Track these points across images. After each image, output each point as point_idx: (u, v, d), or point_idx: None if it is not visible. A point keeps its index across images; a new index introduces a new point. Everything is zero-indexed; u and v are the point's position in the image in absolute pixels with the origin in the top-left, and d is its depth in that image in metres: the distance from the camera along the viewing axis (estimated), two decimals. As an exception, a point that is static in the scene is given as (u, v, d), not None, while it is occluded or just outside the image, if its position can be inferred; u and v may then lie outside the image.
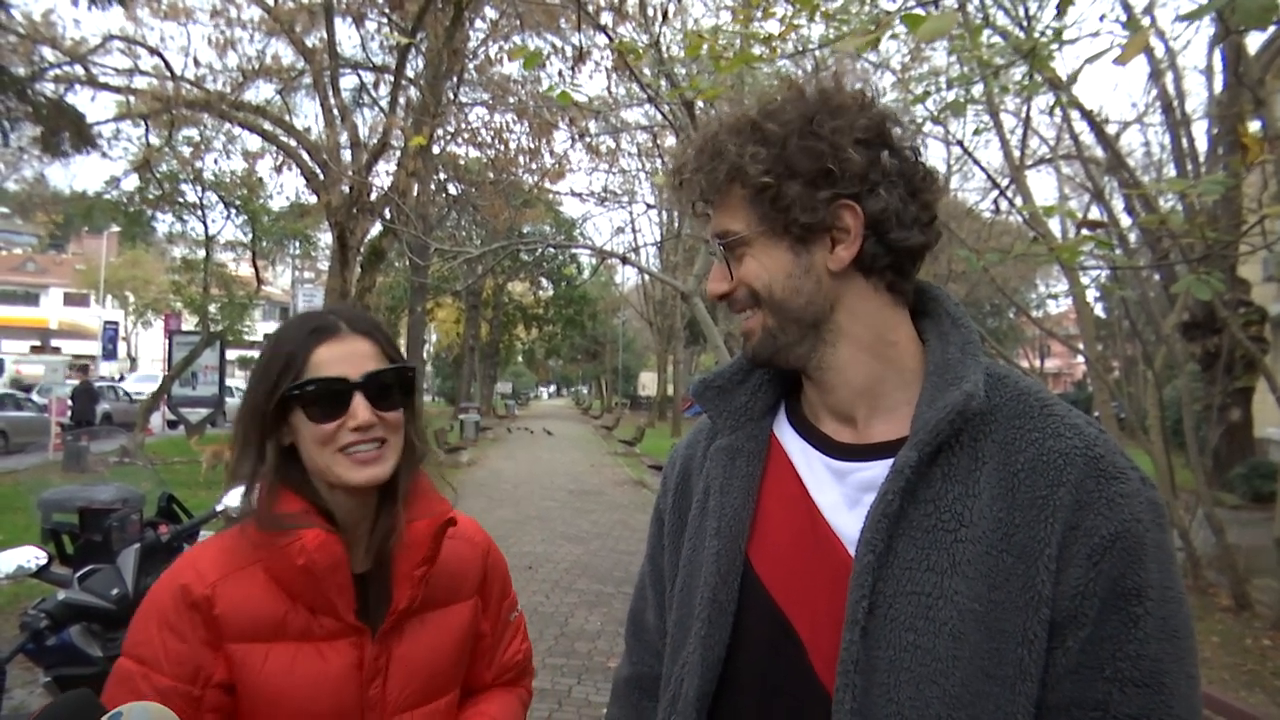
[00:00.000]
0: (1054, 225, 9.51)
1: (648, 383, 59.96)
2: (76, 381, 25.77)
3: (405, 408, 1.41)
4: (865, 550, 1.00)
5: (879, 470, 1.04)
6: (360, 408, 1.33)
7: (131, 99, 16.38)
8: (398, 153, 14.33)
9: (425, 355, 32.15)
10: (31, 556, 2.49)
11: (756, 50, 4.87)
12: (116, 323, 40.94)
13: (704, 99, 5.31)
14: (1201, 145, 11.62)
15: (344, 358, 1.35)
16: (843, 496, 1.08)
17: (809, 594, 1.06)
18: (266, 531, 1.33)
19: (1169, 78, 10.69)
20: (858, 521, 1.03)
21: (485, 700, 1.56)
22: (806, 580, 1.07)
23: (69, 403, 22.05)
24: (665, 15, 7.19)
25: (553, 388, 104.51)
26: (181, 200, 23.99)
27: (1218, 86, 11.00)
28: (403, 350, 1.52)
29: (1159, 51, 9.99)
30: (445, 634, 1.45)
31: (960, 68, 6.62)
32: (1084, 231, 4.60)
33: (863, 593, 0.98)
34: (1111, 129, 9.72)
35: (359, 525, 1.41)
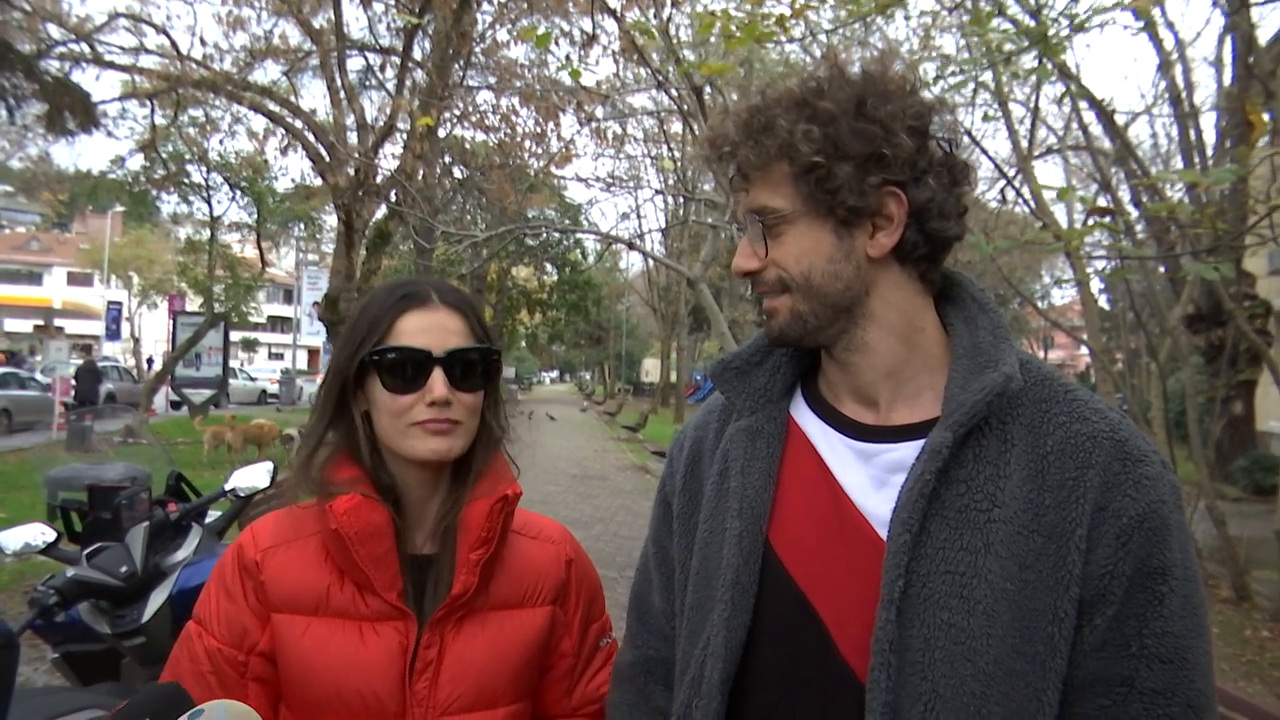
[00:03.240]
0: (1060, 215, 9.49)
1: (651, 369, 60.02)
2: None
3: (487, 391, 1.35)
4: (901, 530, 1.00)
5: (908, 451, 1.05)
6: (438, 383, 1.27)
7: (137, 78, 16.33)
8: (404, 135, 14.30)
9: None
10: (39, 533, 2.50)
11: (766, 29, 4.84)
12: (120, 303, 40.87)
13: (708, 72, 5.28)
14: (1210, 137, 11.59)
15: (429, 329, 1.29)
16: (869, 478, 1.08)
17: (832, 575, 1.06)
18: (318, 498, 1.29)
19: (1178, 69, 10.65)
20: (886, 502, 1.03)
21: None
22: (830, 561, 1.07)
23: (73, 382, 22.11)
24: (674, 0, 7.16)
25: (556, 373, 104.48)
26: (187, 181, 24.02)
27: (1227, 78, 10.94)
28: None
29: (1169, 43, 9.95)
30: (509, 638, 1.33)
31: (970, 53, 6.59)
32: (1092, 219, 4.58)
33: (898, 572, 0.99)
34: (1120, 120, 9.68)
35: (425, 504, 1.35)
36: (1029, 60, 5.59)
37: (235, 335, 31.65)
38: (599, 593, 1.52)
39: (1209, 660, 0.99)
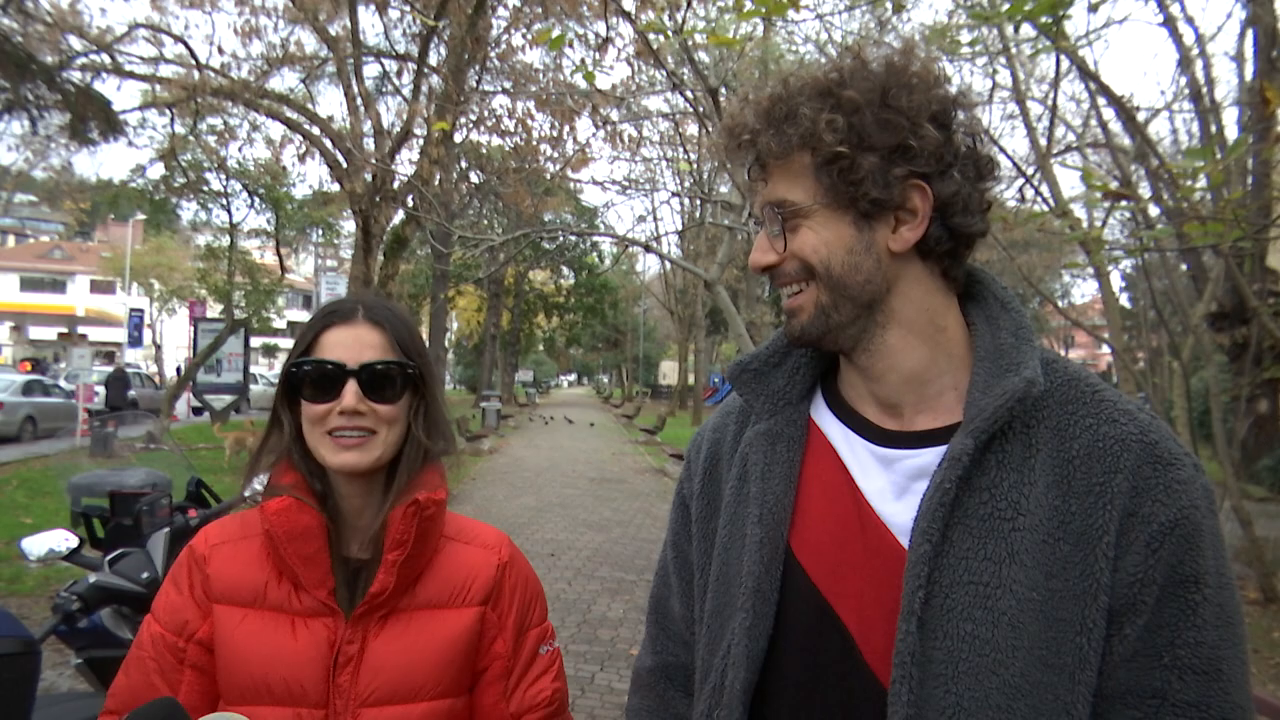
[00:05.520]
0: (1080, 213, 9.40)
1: (668, 371, 60.03)
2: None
3: (411, 403, 1.42)
4: (921, 540, 0.97)
5: (930, 458, 1.02)
6: (350, 394, 1.34)
7: (157, 87, 16.47)
8: (420, 140, 14.36)
9: (446, 343, 32.35)
10: (62, 539, 2.52)
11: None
12: (142, 310, 41.18)
13: (716, 42, 5.26)
14: (1231, 133, 11.45)
15: (347, 343, 1.37)
16: (890, 484, 1.05)
17: (855, 583, 1.04)
18: (263, 499, 1.39)
19: (1199, 65, 10.53)
20: (907, 510, 1.01)
21: None
22: (852, 569, 1.04)
23: (97, 389, 22.28)
24: (689, 1, 7.14)
25: (573, 376, 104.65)
26: (206, 189, 24.21)
27: (1249, 73, 10.82)
28: (425, 338, 1.50)
29: (1188, 38, 9.86)
30: (433, 636, 1.39)
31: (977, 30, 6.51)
32: (1108, 202, 4.54)
33: (919, 583, 0.96)
34: (1140, 116, 9.59)
35: (359, 513, 1.41)
36: (1041, 42, 5.51)
37: (256, 341, 31.80)
38: (539, 599, 1.55)
39: (1245, 671, 0.96)
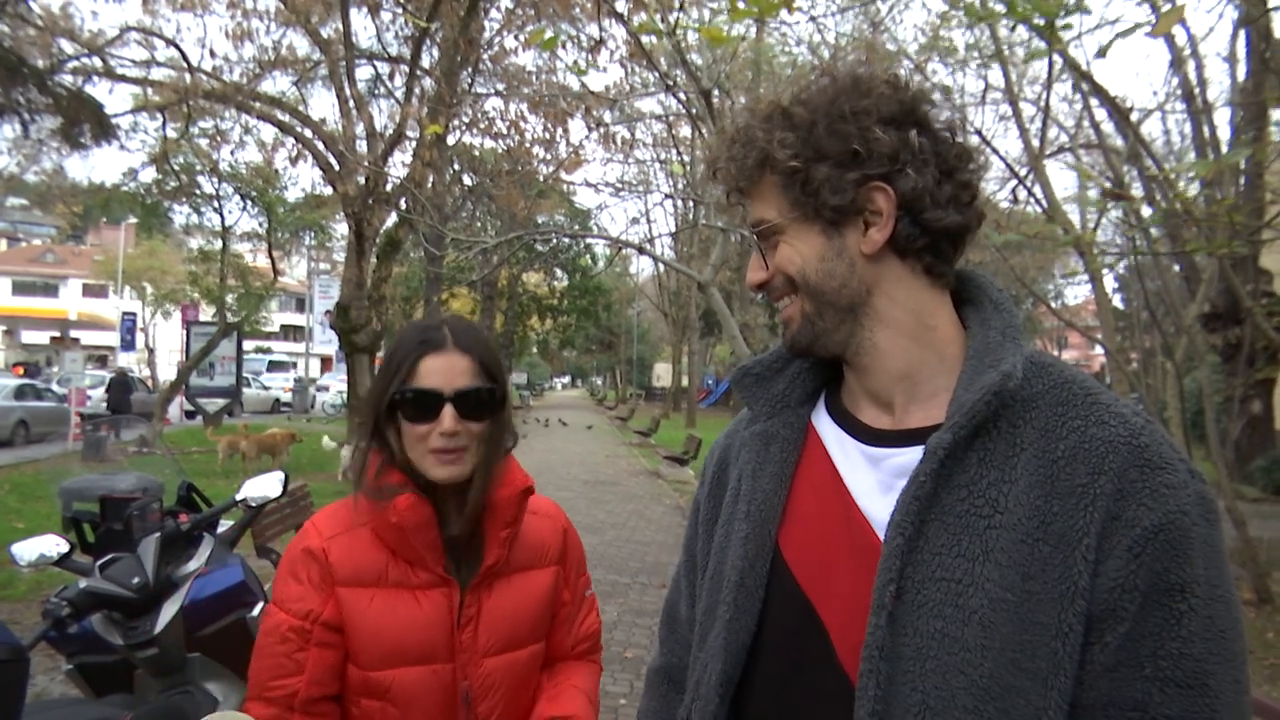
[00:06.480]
0: (1073, 216, 9.42)
1: (662, 373, 60.04)
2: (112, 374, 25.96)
3: (492, 417, 1.63)
4: (895, 533, 0.98)
5: (914, 455, 1.02)
6: (448, 418, 1.56)
7: (149, 91, 16.44)
8: (413, 143, 14.35)
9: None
10: (53, 545, 2.51)
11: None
12: (134, 313, 41.05)
13: (707, 35, 5.27)
14: (1224, 134, 11.49)
15: (442, 371, 1.58)
16: (877, 482, 1.06)
17: (838, 582, 1.04)
18: (373, 500, 1.61)
19: (1191, 65, 10.56)
20: (891, 507, 1.01)
21: (571, 671, 1.81)
22: (836, 568, 1.05)
23: (90, 393, 22.18)
24: (682, 3, 7.14)
25: (567, 379, 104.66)
26: (198, 192, 24.14)
27: (1241, 73, 10.84)
28: None
29: (1181, 39, 9.87)
30: (528, 594, 1.69)
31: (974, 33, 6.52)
32: (1109, 203, 4.54)
33: (890, 576, 0.96)
34: (1132, 117, 9.61)
35: (454, 499, 1.63)
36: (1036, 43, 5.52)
37: (248, 344, 31.81)
38: (583, 550, 1.90)
39: (1238, 689, 0.92)
